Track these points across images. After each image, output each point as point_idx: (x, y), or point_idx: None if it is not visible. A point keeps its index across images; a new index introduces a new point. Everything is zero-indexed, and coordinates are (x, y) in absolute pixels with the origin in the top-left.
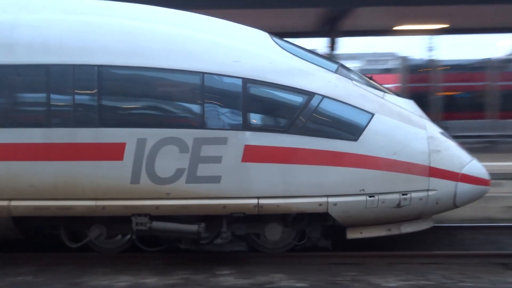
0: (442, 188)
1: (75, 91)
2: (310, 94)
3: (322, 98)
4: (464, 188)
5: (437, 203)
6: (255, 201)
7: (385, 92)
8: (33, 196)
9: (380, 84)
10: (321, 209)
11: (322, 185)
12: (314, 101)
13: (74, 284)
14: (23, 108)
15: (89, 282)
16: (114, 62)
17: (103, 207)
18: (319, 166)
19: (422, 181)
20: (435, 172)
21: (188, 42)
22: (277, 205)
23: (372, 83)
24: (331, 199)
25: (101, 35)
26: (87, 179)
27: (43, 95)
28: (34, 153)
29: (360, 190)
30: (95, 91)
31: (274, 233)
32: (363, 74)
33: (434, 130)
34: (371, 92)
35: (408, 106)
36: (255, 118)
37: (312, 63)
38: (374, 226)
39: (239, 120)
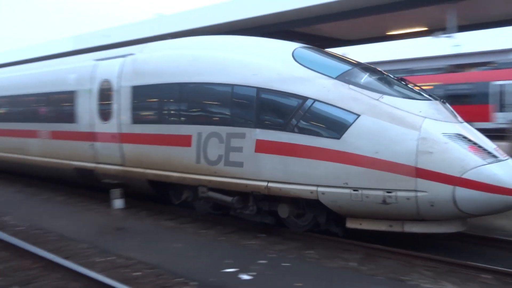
0: (434, 190)
1: (165, 100)
2: (303, 99)
3: (314, 102)
4: (467, 193)
5: (432, 205)
6: (265, 183)
7: (388, 94)
8: (154, 167)
9: (409, 86)
10: (313, 196)
11: (312, 176)
12: (306, 104)
13: (396, 279)
14: (150, 112)
15: (409, 281)
16: (186, 80)
17: (184, 178)
18: (308, 159)
19: (407, 181)
20: (423, 174)
21: (223, 62)
22: (280, 189)
23: (378, 86)
24: (319, 189)
25: (179, 63)
26: (175, 158)
27: (164, 104)
28: (154, 140)
29: (344, 184)
30: (175, 99)
31: (283, 211)
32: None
33: (435, 131)
34: (365, 95)
35: (418, 107)
36: (263, 118)
37: (316, 71)
38: (374, 220)
39: (253, 120)
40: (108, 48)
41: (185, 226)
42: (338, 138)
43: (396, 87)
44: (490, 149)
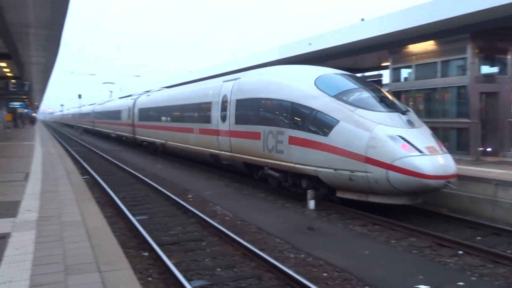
0: (376, 172)
1: (250, 109)
2: (313, 110)
3: (317, 112)
4: (395, 175)
5: (376, 182)
6: (293, 165)
7: (360, 107)
8: (245, 153)
9: (386, 101)
10: (315, 174)
11: (315, 160)
12: (313, 113)
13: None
14: (243, 116)
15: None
16: (258, 96)
17: (255, 161)
18: (312, 149)
19: (361, 166)
20: (370, 161)
21: (277, 85)
22: (300, 169)
23: (357, 102)
24: (318, 169)
25: (257, 85)
26: (253, 147)
27: (249, 111)
28: (245, 135)
29: (329, 165)
30: (253, 108)
31: (304, 184)
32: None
33: (382, 132)
34: (345, 108)
35: (377, 117)
36: (293, 121)
37: (323, 91)
38: (351, 192)
39: (288, 122)
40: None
41: (376, 234)
42: (327, 136)
43: (372, 102)
44: (420, 147)
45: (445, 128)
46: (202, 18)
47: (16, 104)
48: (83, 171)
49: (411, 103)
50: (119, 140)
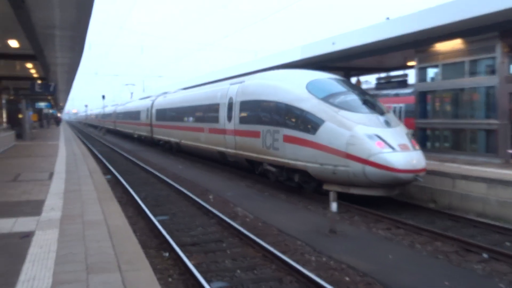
0: (354, 167)
1: (251, 110)
2: (303, 111)
3: (307, 113)
4: (370, 169)
5: (355, 175)
6: (287, 161)
7: (343, 109)
8: (247, 150)
9: (368, 103)
10: (305, 168)
11: (304, 157)
12: (303, 114)
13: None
14: (245, 116)
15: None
16: (258, 98)
17: (256, 157)
18: (302, 146)
19: (343, 161)
20: (350, 157)
21: (272, 87)
22: (293, 164)
23: (340, 104)
24: (307, 164)
25: (258, 88)
26: (254, 145)
27: (251, 112)
28: (247, 133)
29: (316, 161)
30: (253, 109)
31: (296, 178)
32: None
33: (360, 131)
34: (330, 109)
35: (358, 117)
36: (287, 121)
37: (313, 94)
38: (336, 185)
39: (283, 122)
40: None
41: (400, 238)
42: (314, 134)
43: (354, 104)
44: (393, 144)
45: (473, 130)
46: (225, 18)
47: (41, 104)
48: (106, 171)
49: (437, 104)
50: (141, 141)
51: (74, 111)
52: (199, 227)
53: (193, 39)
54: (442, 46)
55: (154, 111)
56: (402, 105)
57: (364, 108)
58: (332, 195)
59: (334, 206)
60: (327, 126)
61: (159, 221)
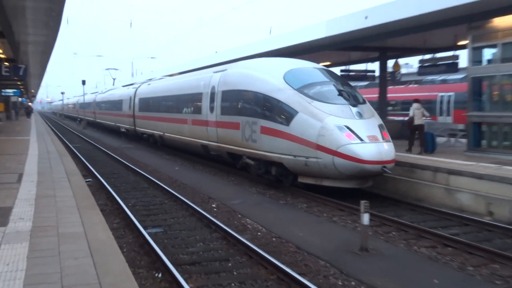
0: (325, 158)
1: (232, 100)
2: (279, 101)
3: (282, 103)
4: (339, 161)
5: (325, 167)
6: (264, 153)
7: (317, 100)
8: (227, 143)
9: (343, 94)
10: (280, 161)
11: (279, 148)
12: (279, 104)
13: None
14: (227, 107)
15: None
16: (242, 88)
17: (236, 150)
18: (278, 138)
19: (313, 152)
20: (320, 148)
21: (251, 77)
22: (269, 156)
23: (314, 95)
24: (282, 156)
25: (238, 77)
26: (234, 137)
27: (232, 103)
28: (229, 125)
29: (290, 153)
30: (239, 100)
31: (274, 171)
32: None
33: (331, 123)
34: (304, 100)
35: (330, 108)
36: (264, 112)
37: (289, 84)
38: (310, 177)
39: (260, 113)
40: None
41: (448, 259)
42: (288, 125)
43: (328, 95)
44: (361, 136)
45: None
46: None
47: (9, 91)
48: (86, 173)
49: (495, 93)
50: (130, 137)
51: (48, 99)
52: (200, 243)
53: (194, 12)
54: (501, 21)
55: (137, 100)
56: (451, 94)
57: (338, 99)
58: (363, 205)
59: (365, 218)
60: (300, 117)
61: (151, 234)
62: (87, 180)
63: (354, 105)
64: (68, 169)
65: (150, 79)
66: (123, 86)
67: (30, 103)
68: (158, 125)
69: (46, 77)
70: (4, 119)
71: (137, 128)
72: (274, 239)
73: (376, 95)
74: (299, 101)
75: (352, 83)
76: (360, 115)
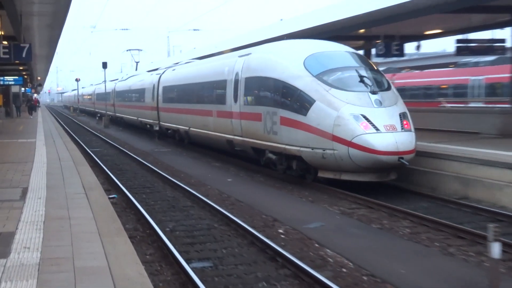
0: (340, 149)
1: (254, 88)
2: (297, 89)
3: (300, 91)
4: (354, 152)
5: (342, 159)
6: (284, 146)
7: (335, 87)
8: (251, 136)
9: (363, 81)
10: (299, 154)
11: (298, 141)
12: (297, 93)
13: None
14: (250, 97)
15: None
16: (263, 74)
17: (259, 144)
18: (296, 129)
19: (330, 143)
20: (336, 138)
21: (271, 62)
22: (289, 149)
23: (333, 82)
24: (301, 149)
25: (260, 62)
26: (257, 129)
27: (254, 91)
28: (252, 117)
29: (308, 145)
30: (260, 89)
31: (294, 166)
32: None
33: (346, 112)
34: (321, 87)
35: (347, 96)
36: (283, 101)
37: (308, 70)
38: (329, 172)
39: (280, 102)
40: None
41: None
42: (306, 115)
43: (347, 82)
44: (378, 125)
45: None
46: None
47: (9, 79)
48: (110, 187)
49: None
50: (167, 138)
51: (59, 89)
52: (263, 282)
53: None
54: None
55: (161, 89)
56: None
57: (358, 86)
58: (491, 231)
59: (496, 249)
60: (316, 106)
61: (196, 270)
62: (110, 196)
63: (374, 92)
64: (86, 181)
65: (177, 64)
66: (148, 71)
67: (35, 94)
68: (183, 119)
69: (56, 59)
70: (3, 116)
71: (161, 123)
72: (365, 277)
73: (509, 75)
74: (316, 88)
75: (474, 59)
76: (379, 103)
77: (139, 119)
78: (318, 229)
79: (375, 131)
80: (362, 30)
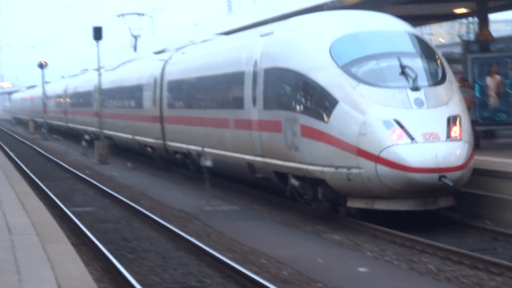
0: (367, 167)
1: (273, 83)
2: (317, 86)
3: (321, 89)
4: (383, 170)
5: (370, 180)
6: (306, 167)
7: (364, 82)
8: (273, 155)
9: (404, 72)
10: (322, 176)
11: (319, 157)
12: (317, 91)
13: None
14: (270, 97)
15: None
16: (283, 65)
17: (281, 166)
18: (316, 141)
19: (355, 160)
20: (361, 153)
21: (291, 47)
22: (311, 171)
23: (363, 75)
24: (324, 169)
25: (281, 47)
26: (276, 144)
27: (274, 89)
28: (270, 127)
29: (331, 163)
30: (280, 86)
31: (320, 195)
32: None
33: (375, 116)
34: (346, 82)
35: (378, 95)
36: (304, 104)
37: (333, 59)
38: (359, 199)
39: (299, 105)
40: None
41: None
42: (327, 122)
43: (381, 74)
44: (414, 133)
45: None
46: None
47: None
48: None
49: None
50: (218, 179)
51: (5, 85)
52: None
53: None
54: None
55: (165, 85)
56: None
57: (395, 79)
58: None
59: None
60: (340, 109)
61: None
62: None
63: (415, 89)
64: (63, 279)
65: (191, 43)
66: (155, 53)
67: None
68: (195, 134)
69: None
70: None
71: (167, 142)
72: None
73: None
74: (340, 84)
75: None
76: (420, 103)
77: (135, 137)
78: None
79: (410, 141)
80: None
